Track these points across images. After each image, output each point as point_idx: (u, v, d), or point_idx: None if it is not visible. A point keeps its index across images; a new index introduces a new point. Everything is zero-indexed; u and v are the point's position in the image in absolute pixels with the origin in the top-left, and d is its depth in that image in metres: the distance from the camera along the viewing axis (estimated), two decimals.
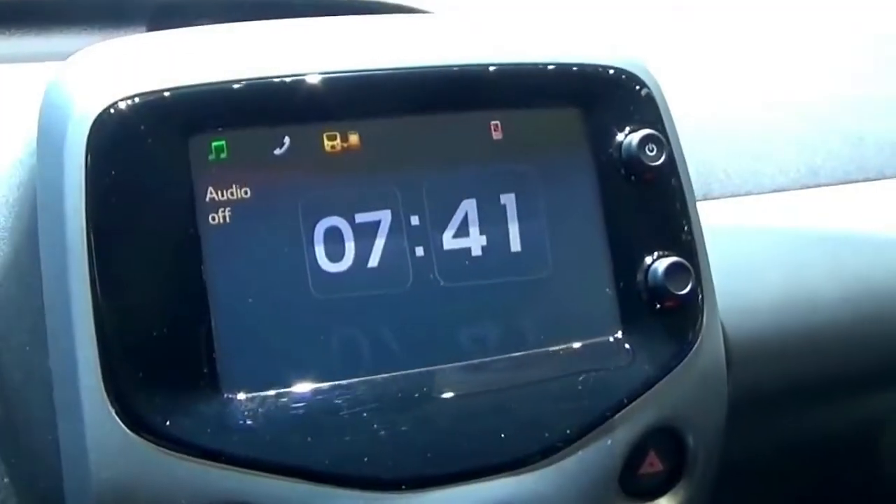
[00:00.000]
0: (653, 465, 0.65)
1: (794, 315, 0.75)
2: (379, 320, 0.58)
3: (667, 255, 0.63)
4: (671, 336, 0.63)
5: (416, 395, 0.58)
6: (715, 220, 0.70)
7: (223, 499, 0.55)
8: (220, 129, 0.56)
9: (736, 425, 0.68)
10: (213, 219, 0.56)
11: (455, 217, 0.60)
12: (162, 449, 0.54)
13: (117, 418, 0.54)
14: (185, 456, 0.54)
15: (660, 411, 0.63)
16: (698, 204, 0.66)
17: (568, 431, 0.60)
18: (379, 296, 0.58)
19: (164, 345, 0.55)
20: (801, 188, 0.82)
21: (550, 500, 0.59)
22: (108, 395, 0.53)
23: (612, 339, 0.62)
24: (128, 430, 0.54)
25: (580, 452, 0.60)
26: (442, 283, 0.60)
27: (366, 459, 0.56)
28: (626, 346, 0.62)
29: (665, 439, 0.64)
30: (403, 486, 0.57)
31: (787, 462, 0.81)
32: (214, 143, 0.56)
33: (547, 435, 0.60)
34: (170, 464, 0.54)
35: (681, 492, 0.65)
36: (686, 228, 0.64)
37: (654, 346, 0.63)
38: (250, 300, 0.56)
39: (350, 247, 0.58)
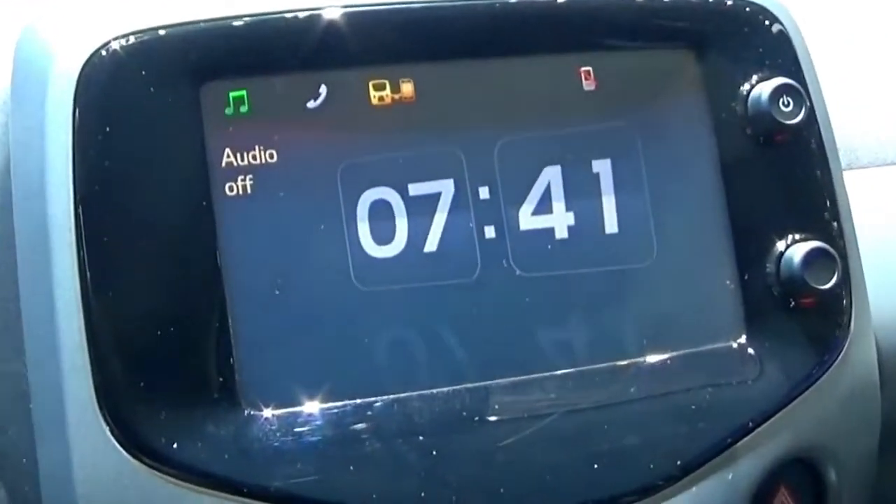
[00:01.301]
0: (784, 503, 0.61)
1: None
2: (438, 319, 0.54)
3: (805, 239, 0.58)
4: (810, 342, 0.58)
5: (486, 416, 0.53)
6: (864, 196, 0.66)
7: None
8: (238, 75, 0.52)
9: (889, 458, 0.64)
10: (231, 189, 0.52)
11: (535, 189, 0.56)
12: (167, 477, 0.50)
13: (112, 438, 0.50)
14: (195, 487, 0.50)
15: (794, 439, 0.58)
16: (844, 174, 0.61)
17: (678, 463, 0.55)
18: (438, 288, 0.54)
19: (171, 348, 0.51)
20: None
21: None
22: (101, 409, 0.50)
23: (734, 345, 0.57)
24: (125, 454, 0.50)
25: (693, 489, 0.55)
26: (518, 272, 0.55)
27: (424, 495, 0.52)
28: (752, 354, 0.58)
29: (800, 473, 0.60)
30: None
31: None
32: (232, 94, 0.52)
33: (652, 468, 0.54)
34: (177, 496, 0.50)
35: None
36: (829, 205, 0.59)
37: (787, 354, 0.58)
38: (277, 292, 0.52)
39: (402, 226, 0.54)
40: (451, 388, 0.54)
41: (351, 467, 0.52)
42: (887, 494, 0.65)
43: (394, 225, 0.55)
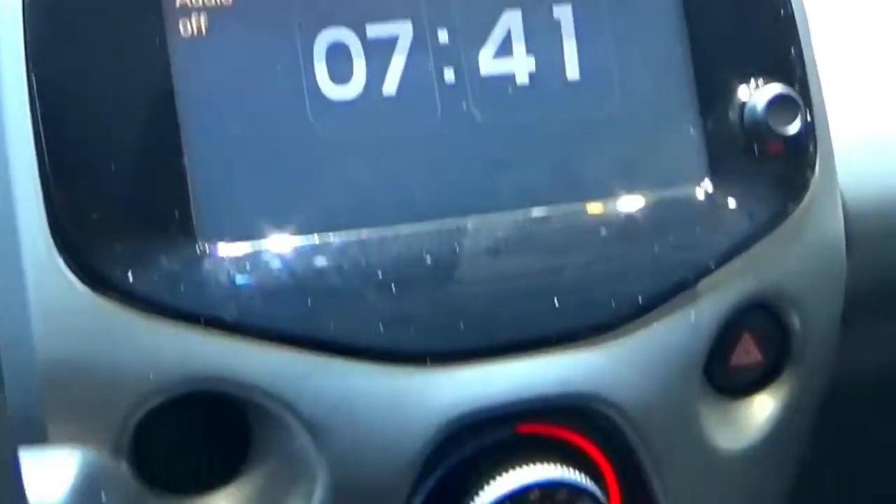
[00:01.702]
0: (748, 352, 0.60)
1: None
2: (396, 160, 0.54)
3: (769, 83, 0.58)
4: (773, 188, 0.58)
5: (446, 252, 0.54)
6: (832, 40, 0.65)
7: (201, 372, 0.51)
8: None
9: (845, 334, 0.64)
10: (186, 28, 0.52)
11: (495, 33, 0.55)
12: (124, 308, 0.50)
13: (67, 270, 0.50)
14: (153, 317, 0.50)
15: (756, 282, 0.58)
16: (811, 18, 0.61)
17: (638, 300, 0.55)
18: (397, 130, 0.54)
19: (125, 182, 0.50)
20: None
21: (615, 386, 0.55)
22: (55, 240, 0.50)
23: (697, 190, 0.57)
24: (81, 286, 0.50)
25: (653, 326, 0.55)
26: (478, 117, 0.55)
27: (381, 327, 0.53)
28: (715, 199, 0.57)
29: (764, 321, 0.59)
30: (428, 361, 0.53)
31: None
32: None
33: (611, 304, 0.55)
34: (134, 327, 0.50)
35: (783, 389, 0.60)
36: (794, 51, 0.59)
37: (750, 200, 0.58)
38: (233, 131, 0.52)
39: (360, 68, 0.54)
40: (410, 225, 0.54)
41: (308, 301, 0.52)
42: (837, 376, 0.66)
43: (351, 67, 0.54)
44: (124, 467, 0.52)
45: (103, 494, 0.51)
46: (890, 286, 0.68)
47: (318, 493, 0.52)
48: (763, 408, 0.60)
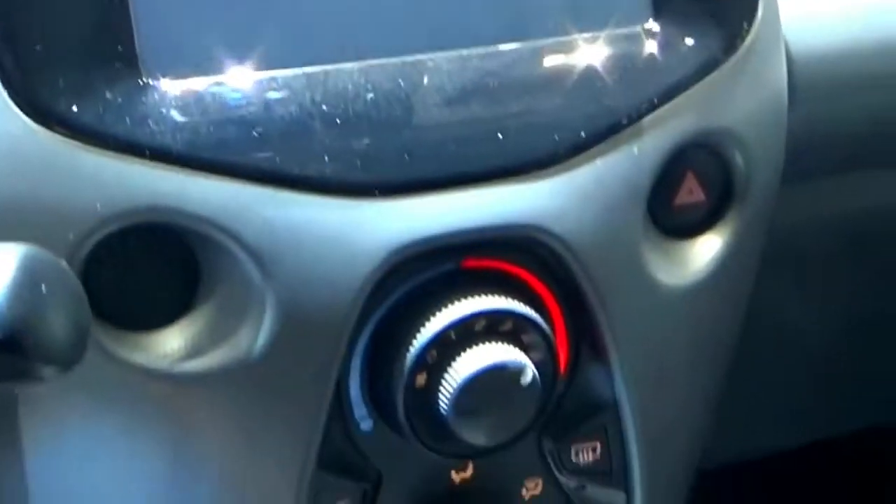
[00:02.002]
0: (692, 192, 0.61)
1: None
2: None
3: None
4: (717, 27, 0.59)
5: (391, 88, 0.54)
6: None
7: (147, 202, 0.51)
8: None
9: (790, 190, 0.65)
10: None
11: None
12: (69, 140, 0.50)
13: (11, 104, 0.50)
14: (98, 149, 0.50)
15: (699, 119, 0.59)
16: None
17: (582, 134, 0.56)
18: None
19: (68, 13, 0.50)
20: None
21: (558, 218, 0.56)
22: None
23: (640, 29, 0.58)
24: (25, 119, 0.50)
25: (596, 161, 0.56)
26: None
27: (326, 159, 0.53)
28: (659, 37, 0.58)
29: (707, 161, 0.61)
30: (377, 192, 0.54)
31: (835, 247, 0.78)
32: None
33: (556, 137, 0.56)
34: (79, 159, 0.50)
35: (727, 229, 0.62)
36: None
37: (693, 38, 0.59)
38: None
39: None
40: (356, 63, 0.54)
41: (253, 132, 0.52)
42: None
43: None
44: None
45: None
46: (833, 139, 0.70)
47: (267, 324, 0.53)
48: (707, 247, 0.62)
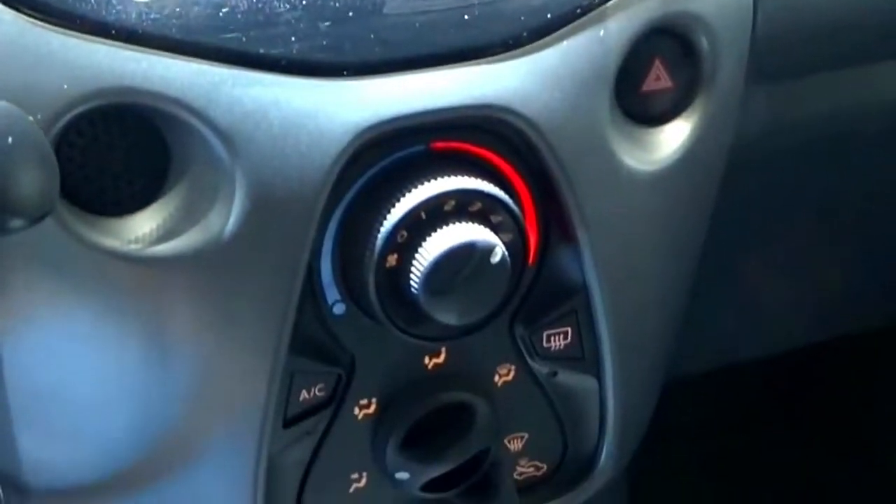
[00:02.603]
0: (659, 78, 0.63)
1: None
2: None
3: None
4: None
5: None
6: None
7: (114, 83, 0.52)
8: None
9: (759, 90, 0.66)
10: None
11: None
12: (36, 21, 0.51)
13: None
14: (65, 30, 0.51)
15: (664, 2, 0.60)
16: None
17: (548, 16, 0.57)
18: None
19: None
20: None
21: (524, 99, 0.57)
22: None
23: None
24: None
25: (564, 43, 0.58)
26: None
27: (294, 38, 0.54)
28: None
29: (674, 48, 0.62)
30: (344, 73, 0.55)
31: (806, 149, 0.79)
32: None
33: (522, 19, 0.57)
34: (46, 39, 0.51)
35: (695, 116, 0.63)
36: None
37: None
38: None
39: None
40: None
41: (219, 13, 0.53)
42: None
43: None
44: None
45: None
46: (800, 34, 0.71)
47: (238, 205, 0.54)
48: (675, 134, 0.63)
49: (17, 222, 0.44)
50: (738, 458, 1.16)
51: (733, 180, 0.70)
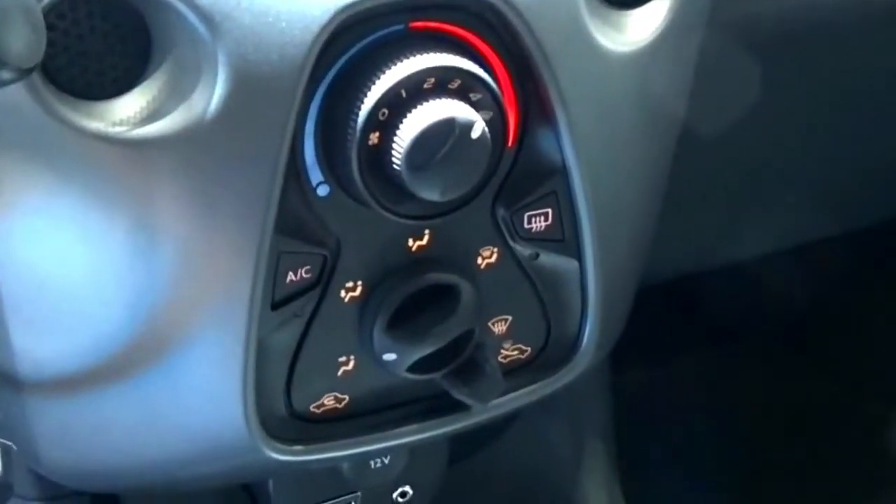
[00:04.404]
0: None
1: None
2: None
3: None
4: None
5: None
6: None
7: None
8: None
9: None
10: None
11: None
12: None
13: None
14: None
15: None
16: None
17: None
18: None
19: None
20: None
21: None
22: None
23: None
24: None
25: None
26: None
27: None
28: None
29: None
30: None
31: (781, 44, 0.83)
32: None
33: None
34: None
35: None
36: None
37: None
38: None
39: None
40: None
41: None
42: None
43: None
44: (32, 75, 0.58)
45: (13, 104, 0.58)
46: None
47: (221, 83, 0.58)
48: (649, 16, 0.68)
49: (6, 73, 0.48)
50: (713, 374, 1.23)
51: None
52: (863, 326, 1.25)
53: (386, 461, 0.79)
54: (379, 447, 0.69)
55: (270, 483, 0.80)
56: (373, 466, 0.79)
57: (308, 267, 0.64)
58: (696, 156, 0.77)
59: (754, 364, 1.23)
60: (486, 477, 0.94)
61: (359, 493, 0.82)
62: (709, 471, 1.21)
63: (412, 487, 0.84)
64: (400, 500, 0.85)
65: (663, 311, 1.02)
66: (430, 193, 0.61)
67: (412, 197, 0.61)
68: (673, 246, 0.84)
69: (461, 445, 0.88)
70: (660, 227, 0.77)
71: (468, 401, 0.68)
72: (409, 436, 0.69)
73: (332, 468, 0.78)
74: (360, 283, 0.65)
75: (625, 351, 0.78)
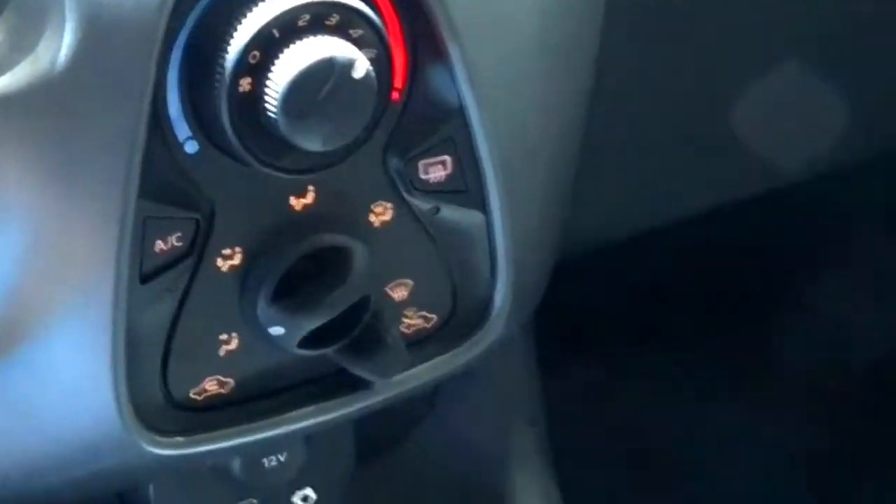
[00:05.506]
0: None
1: None
2: None
3: None
4: None
5: None
6: None
7: None
8: None
9: None
10: None
11: None
12: None
13: None
14: None
15: None
16: None
17: None
18: None
19: None
20: None
21: None
22: None
23: None
24: None
25: None
26: None
27: None
28: None
29: None
30: None
31: None
32: None
33: None
34: None
35: None
36: None
37: None
38: None
39: None
40: None
41: None
42: None
43: None
44: None
45: None
46: None
47: (69, 31, 0.55)
48: None
49: None
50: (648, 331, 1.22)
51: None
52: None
53: (282, 458, 0.75)
54: (271, 435, 0.65)
55: (151, 491, 0.76)
56: (267, 465, 0.75)
57: (179, 234, 0.60)
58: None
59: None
60: (403, 477, 0.91)
61: (254, 501, 0.79)
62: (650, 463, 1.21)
63: (314, 490, 0.81)
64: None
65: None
66: (311, 143, 0.58)
67: (291, 148, 0.58)
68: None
69: (371, 442, 0.86)
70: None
71: (369, 377, 0.65)
72: (305, 420, 0.66)
73: (221, 470, 0.75)
74: (238, 249, 0.62)
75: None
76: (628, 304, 1.23)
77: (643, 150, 0.88)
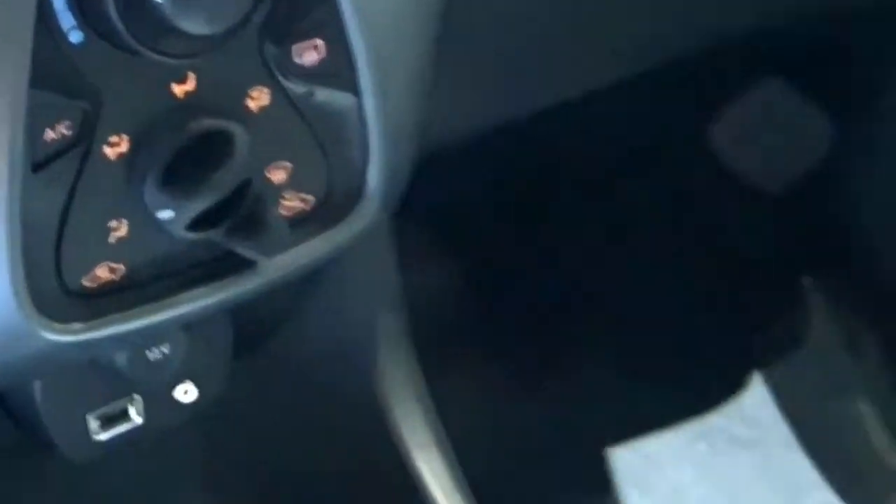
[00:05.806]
0: None
1: None
2: None
3: None
4: None
5: None
6: None
7: None
8: None
9: None
10: None
11: None
12: None
13: None
14: None
15: None
16: None
17: None
18: None
19: None
20: None
21: None
22: None
23: None
24: None
25: None
26: None
27: None
28: None
29: None
30: None
31: None
32: None
33: None
34: None
35: None
36: None
37: None
38: None
39: None
40: None
41: None
42: None
43: None
44: None
45: None
46: None
47: None
48: None
49: None
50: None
51: None
52: None
53: (166, 351, 0.79)
54: (163, 318, 0.68)
55: (37, 390, 0.79)
56: (151, 359, 0.79)
57: (67, 122, 0.63)
58: None
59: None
60: (279, 370, 0.95)
61: (138, 397, 0.82)
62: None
63: (195, 383, 0.85)
64: (183, 398, 0.85)
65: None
66: (195, 25, 0.61)
67: (174, 31, 0.61)
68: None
69: (246, 337, 0.89)
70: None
71: (253, 255, 0.69)
72: (194, 302, 0.69)
73: (106, 368, 0.77)
74: (125, 137, 0.65)
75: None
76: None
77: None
